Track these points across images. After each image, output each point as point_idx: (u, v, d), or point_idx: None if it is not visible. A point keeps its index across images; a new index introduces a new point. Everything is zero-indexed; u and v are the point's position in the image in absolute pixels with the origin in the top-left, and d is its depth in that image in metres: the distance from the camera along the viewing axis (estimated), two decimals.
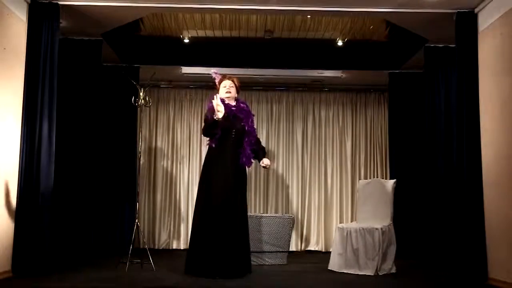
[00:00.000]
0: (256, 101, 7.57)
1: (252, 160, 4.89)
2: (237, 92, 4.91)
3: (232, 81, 4.86)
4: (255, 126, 4.96)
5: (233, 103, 4.84)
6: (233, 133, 4.72)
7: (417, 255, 5.99)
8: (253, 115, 4.98)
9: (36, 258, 4.57)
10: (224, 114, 4.52)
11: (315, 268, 5.45)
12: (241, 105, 4.89)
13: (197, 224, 4.64)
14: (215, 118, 4.52)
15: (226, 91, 4.80)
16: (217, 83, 4.94)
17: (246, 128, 4.80)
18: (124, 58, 6.50)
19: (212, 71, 5.03)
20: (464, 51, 4.87)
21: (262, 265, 5.47)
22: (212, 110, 4.61)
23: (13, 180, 4.56)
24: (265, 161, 4.87)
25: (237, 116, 4.78)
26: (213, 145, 4.69)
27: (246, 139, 4.78)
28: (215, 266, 4.46)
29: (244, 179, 4.85)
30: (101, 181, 6.13)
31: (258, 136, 5.10)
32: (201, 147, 7.44)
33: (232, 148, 4.71)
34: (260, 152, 4.94)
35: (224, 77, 4.91)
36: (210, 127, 4.62)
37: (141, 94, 5.43)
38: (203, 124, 4.86)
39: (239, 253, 4.58)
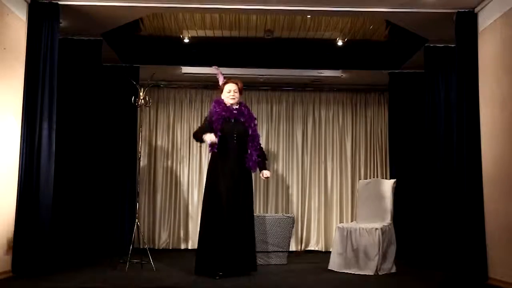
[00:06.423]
0: (256, 101, 7.57)
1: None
2: (240, 94, 4.92)
3: (236, 84, 4.88)
4: (258, 132, 4.98)
5: (235, 106, 4.86)
6: (235, 137, 4.74)
7: (417, 255, 5.98)
8: (256, 119, 4.99)
9: (36, 258, 4.57)
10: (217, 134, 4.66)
11: (315, 268, 5.45)
12: (243, 108, 4.91)
13: (207, 227, 4.66)
14: (203, 138, 4.68)
15: (231, 97, 4.83)
16: (220, 84, 4.96)
17: (250, 132, 4.84)
18: (124, 58, 6.50)
19: (214, 67, 5.06)
20: (464, 51, 4.87)
21: (262, 265, 5.46)
22: (213, 113, 4.74)
23: (13, 180, 4.57)
24: (266, 173, 4.96)
25: (238, 119, 4.81)
26: (215, 151, 4.71)
27: (251, 144, 4.82)
28: (226, 265, 4.55)
29: (250, 182, 4.89)
30: (101, 181, 6.13)
31: (255, 134, 5.07)
32: (201, 147, 7.44)
33: (235, 152, 4.74)
34: (261, 162, 4.96)
35: (229, 79, 4.92)
36: (197, 139, 4.82)
37: (141, 94, 5.44)
38: (202, 124, 4.91)
39: (247, 252, 4.69)
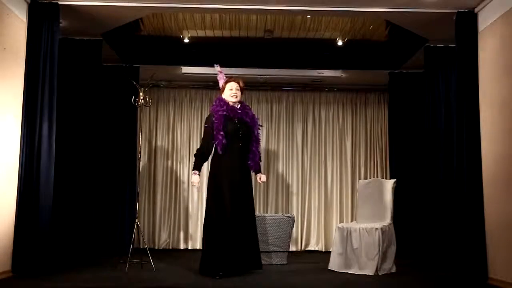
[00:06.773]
0: (256, 101, 7.57)
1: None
2: (241, 93, 4.93)
3: (238, 83, 4.88)
4: (260, 133, 5.04)
5: (238, 106, 4.87)
6: (240, 136, 4.76)
7: (417, 255, 5.99)
8: (258, 119, 5.03)
9: (36, 258, 4.57)
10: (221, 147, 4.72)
11: (315, 268, 5.45)
12: (247, 109, 4.96)
13: (212, 227, 4.66)
14: (192, 175, 4.97)
15: (233, 95, 4.83)
16: (222, 84, 4.96)
17: (256, 133, 4.89)
18: (124, 58, 6.50)
19: (216, 67, 5.06)
20: (464, 51, 4.87)
21: (262, 264, 5.46)
22: (214, 113, 4.75)
23: (13, 180, 4.56)
24: (263, 178, 5.02)
25: (243, 119, 4.82)
26: (221, 152, 4.71)
27: (254, 144, 4.88)
28: (231, 265, 4.57)
29: (251, 181, 4.93)
30: (101, 181, 6.13)
31: (258, 136, 5.12)
32: None
33: (239, 151, 4.76)
34: (259, 165, 5.01)
35: (230, 78, 4.93)
36: (195, 162, 4.99)
37: (141, 94, 5.44)
38: (203, 130, 5.00)
39: (251, 251, 4.72)
